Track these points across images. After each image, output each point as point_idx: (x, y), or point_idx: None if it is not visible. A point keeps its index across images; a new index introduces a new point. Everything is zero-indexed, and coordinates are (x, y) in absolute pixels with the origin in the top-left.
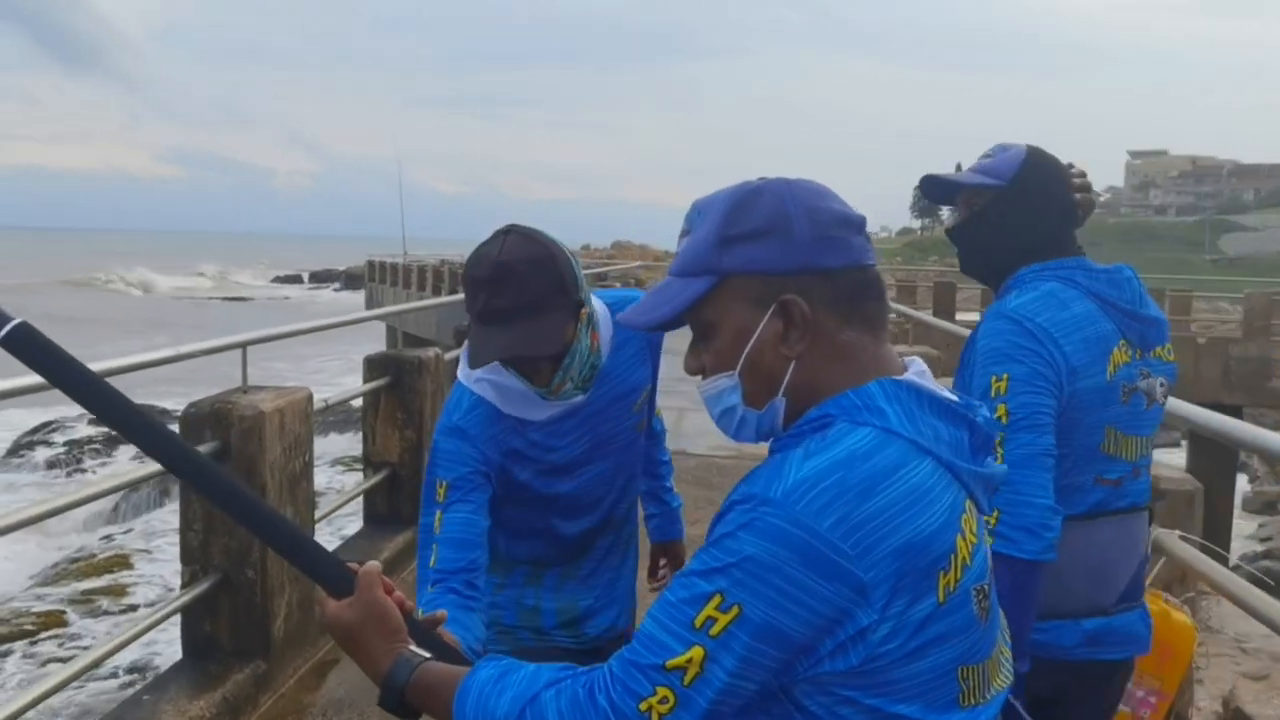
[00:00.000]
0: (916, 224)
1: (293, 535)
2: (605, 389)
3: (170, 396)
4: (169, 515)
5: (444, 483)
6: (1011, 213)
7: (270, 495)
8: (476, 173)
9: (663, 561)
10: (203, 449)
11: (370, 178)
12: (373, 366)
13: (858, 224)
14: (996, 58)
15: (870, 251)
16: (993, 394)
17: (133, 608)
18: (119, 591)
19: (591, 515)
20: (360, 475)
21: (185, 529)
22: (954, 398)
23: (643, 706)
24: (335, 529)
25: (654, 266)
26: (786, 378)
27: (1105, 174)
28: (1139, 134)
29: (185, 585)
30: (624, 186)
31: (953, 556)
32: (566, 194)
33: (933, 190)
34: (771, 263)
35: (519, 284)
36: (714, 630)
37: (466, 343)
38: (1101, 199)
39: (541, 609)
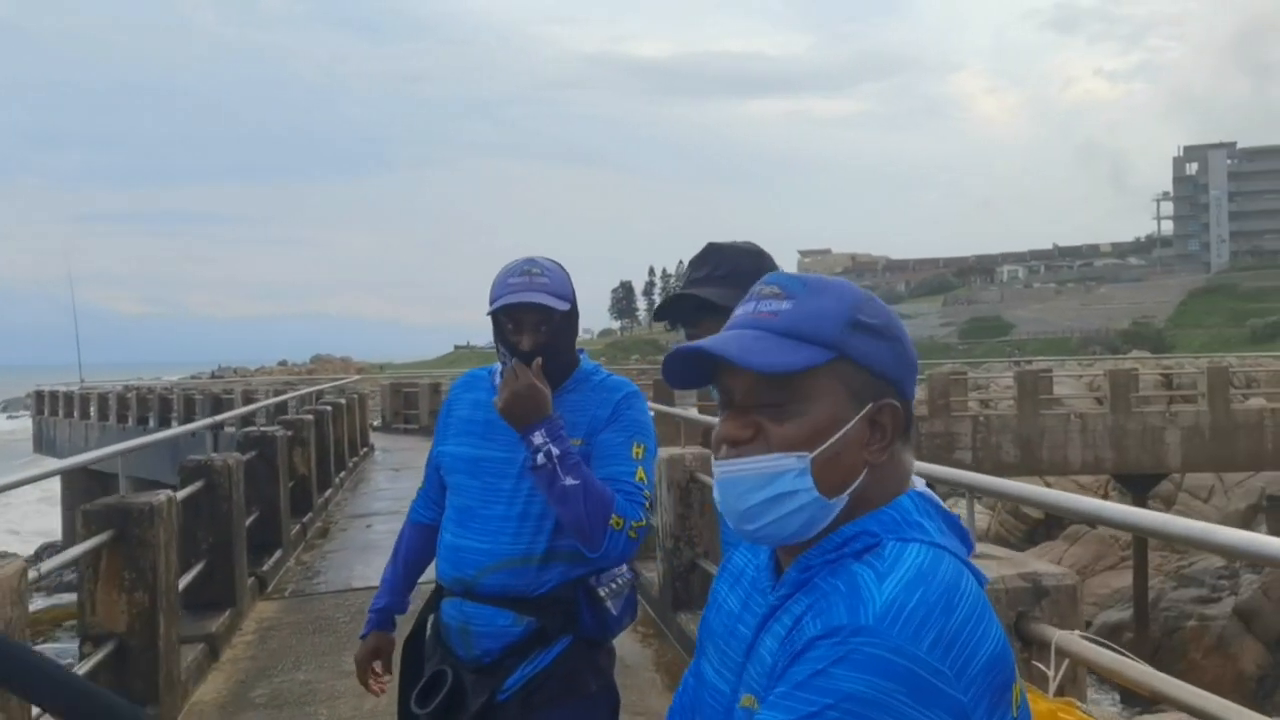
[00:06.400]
0: (616, 325)
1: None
2: None
3: None
4: None
5: None
6: None
7: None
8: (162, 292)
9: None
10: None
11: (37, 303)
12: (91, 519)
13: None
14: (679, 168)
15: None
16: None
17: None
18: None
19: None
20: (75, 650)
21: None
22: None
23: None
24: None
25: (366, 379)
26: (857, 482)
27: None
28: (806, 235)
29: None
30: (325, 300)
31: (1016, 667)
32: (263, 310)
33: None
34: (885, 365)
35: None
36: None
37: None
38: None
39: None
